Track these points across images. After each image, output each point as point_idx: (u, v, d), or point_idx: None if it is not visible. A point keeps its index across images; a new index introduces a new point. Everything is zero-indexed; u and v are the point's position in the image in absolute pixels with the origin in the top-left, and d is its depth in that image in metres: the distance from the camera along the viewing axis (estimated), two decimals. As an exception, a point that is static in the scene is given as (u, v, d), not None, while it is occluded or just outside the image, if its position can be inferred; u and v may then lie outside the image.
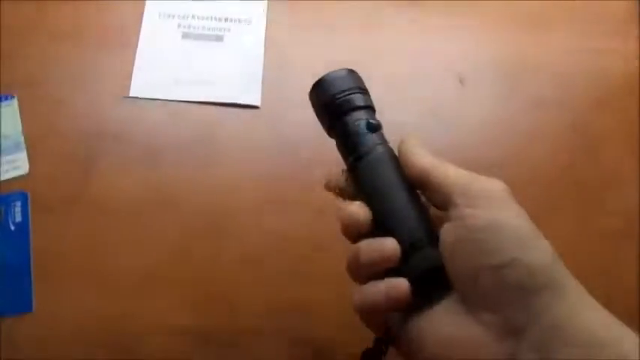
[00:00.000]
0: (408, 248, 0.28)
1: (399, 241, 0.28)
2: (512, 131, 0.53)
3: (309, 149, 0.49)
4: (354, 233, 0.30)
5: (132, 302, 0.43)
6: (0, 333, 0.41)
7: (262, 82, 0.52)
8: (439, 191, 0.28)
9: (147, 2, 0.55)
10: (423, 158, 0.29)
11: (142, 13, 0.54)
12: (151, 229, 0.46)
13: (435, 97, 0.54)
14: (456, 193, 0.28)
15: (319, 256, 0.46)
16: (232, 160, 0.49)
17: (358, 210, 0.29)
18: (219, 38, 0.54)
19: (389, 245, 0.28)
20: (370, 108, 0.32)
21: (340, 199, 0.32)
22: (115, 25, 0.53)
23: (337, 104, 0.31)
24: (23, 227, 0.45)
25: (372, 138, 0.30)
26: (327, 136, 0.34)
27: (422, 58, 0.56)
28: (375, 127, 0.31)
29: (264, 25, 0.55)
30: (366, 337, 0.44)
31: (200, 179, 0.48)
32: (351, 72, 0.32)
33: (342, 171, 0.32)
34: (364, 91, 0.32)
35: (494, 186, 0.28)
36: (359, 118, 0.31)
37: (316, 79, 0.33)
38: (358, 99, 0.31)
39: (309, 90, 0.34)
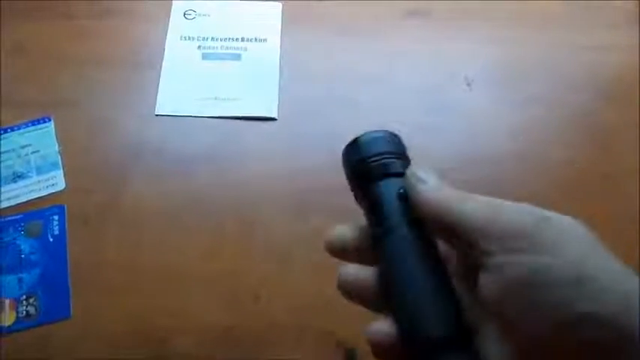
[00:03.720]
0: (424, 349, 0.23)
1: (415, 340, 0.23)
2: (519, 129, 0.55)
3: (323, 154, 0.52)
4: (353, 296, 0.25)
5: (164, 304, 0.46)
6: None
7: (279, 96, 0.55)
8: (461, 236, 0.23)
9: (169, 26, 0.59)
10: (434, 193, 0.24)
11: (166, 37, 0.58)
12: (183, 233, 0.49)
13: (444, 99, 0.56)
14: (481, 237, 0.22)
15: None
16: (255, 166, 0.52)
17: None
18: (236, 57, 0.58)
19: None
20: None
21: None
22: (142, 49, 0.58)
23: (369, 168, 0.27)
24: (61, 239, 0.48)
25: (404, 211, 0.25)
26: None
27: (431, 63, 0.58)
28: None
29: (279, 43, 0.58)
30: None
31: (226, 184, 0.51)
32: (392, 135, 0.28)
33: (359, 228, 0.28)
34: (404, 158, 0.27)
35: (525, 216, 0.22)
36: (393, 187, 0.26)
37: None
38: (395, 165, 0.27)
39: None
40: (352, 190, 0.28)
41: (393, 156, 0.27)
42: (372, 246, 0.26)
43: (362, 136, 0.27)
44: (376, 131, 0.28)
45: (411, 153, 0.28)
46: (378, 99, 0.56)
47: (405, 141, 0.28)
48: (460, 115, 0.55)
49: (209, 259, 0.48)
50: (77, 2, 0.59)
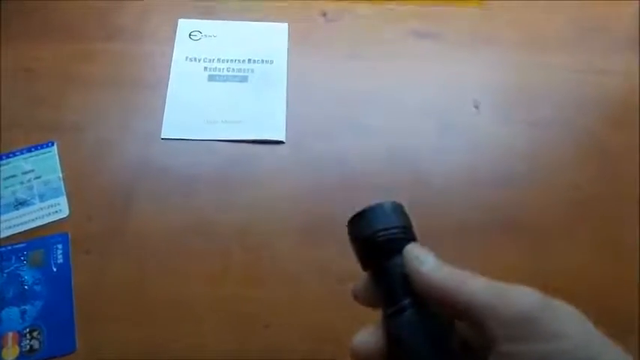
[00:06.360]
0: None
1: None
2: (526, 152, 0.55)
3: (332, 177, 0.52)
4: None
5: (172, 332, 0.44)
6: None
7: (286, 118, 0.55)
8: (468, 317, 0.23)
9: (175, 47, 0.58)
10: (435, 274, 0.24)
11: (171, 58, 0.57)
12: (189, 259, 0.47)
13: (452, 121, 0.56)
14: (489, 319, 0.22)
15: (346, 284, 0.47)
16: (263, 189, 0.51)
17: None
18: (243, 79, 0.57)
19: None
20: None
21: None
22: (147, 70, 0.56)
23: (378, 243, 0.26)
24: (65, 268, 0.47)
25: (410, 291, 0.25)
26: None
27: (439, 85, 0.58)
28: None
29: (286, 64, 0.57)
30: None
31: (233, 209, 0.50)
32: (398, 206, 0.27)
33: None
34: (409, 231, 0.27)
35: (530, 301, 0.22)
36: (400, 265, 0.26)
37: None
38: (401, 241, 0.26)
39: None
40: (359, 261, 0.27)
41: (399, 230, 0.26)
42: (382, 322, 0.26)
43: (369, 208, 0.27)
44: (382, 203, 0.27)
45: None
46: (386, 121, 0.55)
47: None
48: (468, 137, 0.55)
49: (216, 285, 0.47)
50: (83, 24, 0.58)
